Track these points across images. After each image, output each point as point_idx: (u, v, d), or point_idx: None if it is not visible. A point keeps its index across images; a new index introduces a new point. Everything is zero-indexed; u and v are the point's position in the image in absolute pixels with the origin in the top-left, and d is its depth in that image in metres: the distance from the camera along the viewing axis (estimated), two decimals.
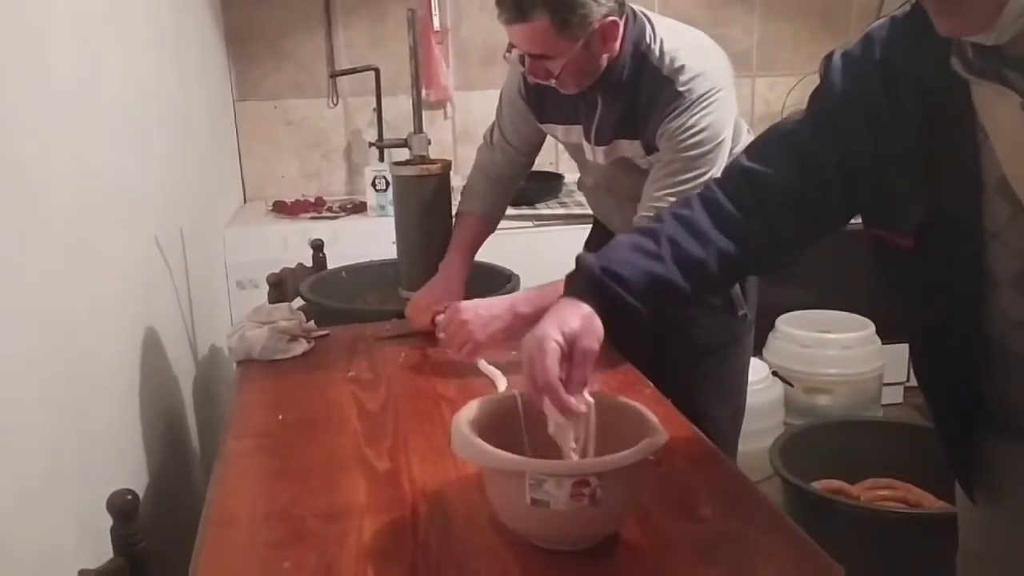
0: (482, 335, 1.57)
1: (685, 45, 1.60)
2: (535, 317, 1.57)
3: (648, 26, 1.61)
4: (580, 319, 1.08)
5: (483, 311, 1.59)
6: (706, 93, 1.55)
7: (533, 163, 1.98)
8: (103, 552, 1.16)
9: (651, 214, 1.57)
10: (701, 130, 1.55)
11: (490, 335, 1.57)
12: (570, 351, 1.06)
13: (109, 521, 1.14)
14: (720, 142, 1.57)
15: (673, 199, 1.55)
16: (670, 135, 1.57)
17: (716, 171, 1.57)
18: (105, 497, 1.14)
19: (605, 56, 1.58)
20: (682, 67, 1.56)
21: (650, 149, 1.63)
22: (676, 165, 1.57)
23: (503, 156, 1.92)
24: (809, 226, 1.16)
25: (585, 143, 1.75)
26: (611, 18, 1.53)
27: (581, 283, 1.12)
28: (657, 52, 1.59)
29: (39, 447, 1.16)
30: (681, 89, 1.55)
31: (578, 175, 2.01)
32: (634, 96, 1.61)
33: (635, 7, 1.63)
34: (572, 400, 1.05)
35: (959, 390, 1.09)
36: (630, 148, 1.67)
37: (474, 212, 1.92)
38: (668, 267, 1.11)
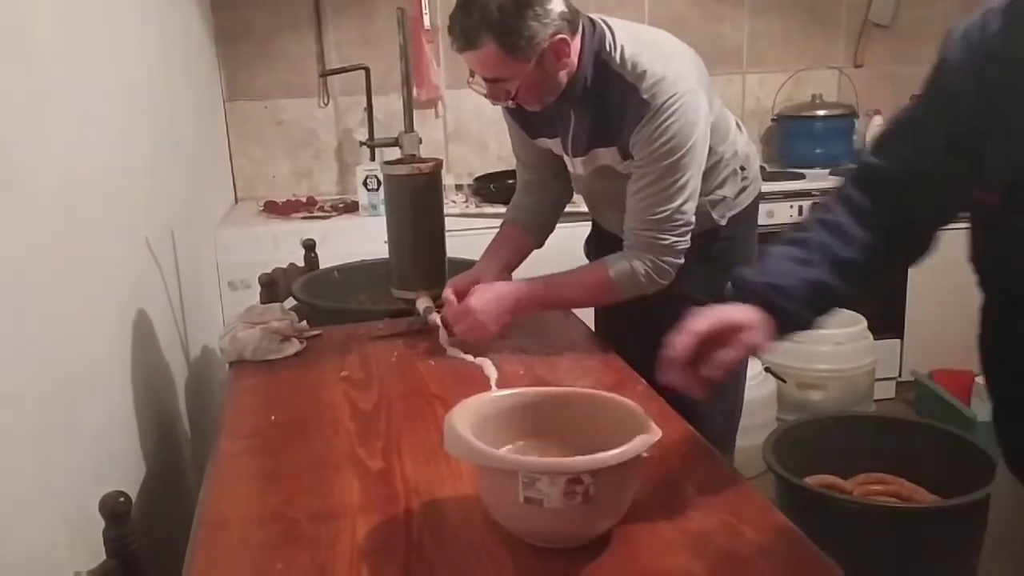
0: (493, 326, 1.69)
1: (646, 49, 1.62)
2: (536, 311, 1.72)
3: (608, 34, 1.63)
4: (755, 318, 1.12)
5: (494, 306, 1.68)
6: (670, 99, 1.57)
7: (557, 176, 1.94)
8: (96, 554, 1.16)
9: (638, 227, 1.65)
10: (670, 137, 1.58)
11: (500, 326, 1.70)
12: (728, 335, 1.10)
13: (102, 523, 1.14)
14: (690, 147, 1.60)
15: (657, 209, 1.62)
16: (642, 144, 1.61)
17: (692, 173, 1.62)
18: (97, 499, 1.14)
19: (563, 72, 1.61)
20: (644, 72, 1.59)
21: (626, 155, 1.66)
22: (652, 176, 1.61)
23: (525, 173, 1.96)
24: (941, 208, 1.16)
25: (565, 155, 1.79)
26: (560, 36, 1.56)
27: (747, 298, 1.14)
28: (618, 59, 1.61)
29: (30, 450, 1.15)
30: (645, 96, 1.58)
31: None
32: (602, 104, 1.64)
33: (593, 16, 1.66)
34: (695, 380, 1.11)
35: None
36: (608, 155, 1.70)
37: (508, 219, 1.96)
38: (823, 271, 1.13)
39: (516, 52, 1.54)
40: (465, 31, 1.54)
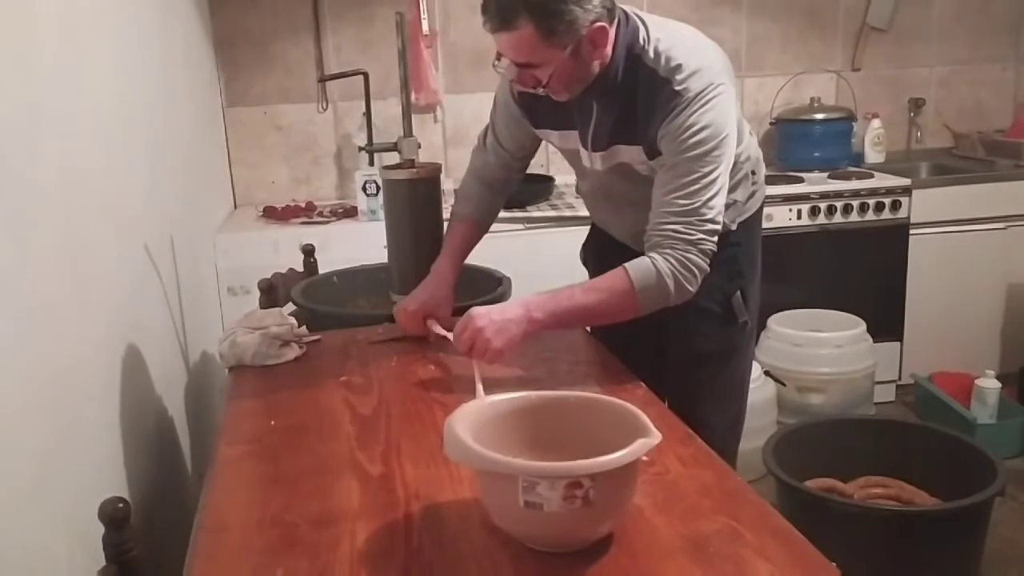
0: (499, 342, 1.50)
1: (680, 43, 1.57)
2: (549, 323, 1.55)
3: (642, 27, 1.59)
4: None
5: (497, 316, 1.52)
6: (704, 90, 1.52)
7: (527, 167, 1.96)
8: (95, 560, 1.16)
9: (662, 221, 1.54)
10: (702, 128, 1.52)
11: (508, 341, 1.51)
12: None
13: (101, 529, 1.14)
14: (723, 138, 1.53)
15: (683, 201, 1.52)
16: (671, 136, 1.54)
17: (722, 169, 1.54)
18: (96, 505, 1.14)
19: (596, 63, 1.55)
20: (679, 65, 1.53)
21: (652, 153, 1.59)
22: (681, 168, 1.53)
23: (496, 159, 1.90)
24: None
25: (582, 149, 1.72)
26: (599, 24, 1.50)
27: None
28: (652, 53, 1.56)
29: (29, 455, 1.15)
30: (678, 88, 1.52)
31: (571, 177, 1.99)
32: (631, 100, 1.59)
33: (627, 8, 1.61)
34: None
35: None
36: (629, 153, 1.64)
37: (466, 215, 1.90)
38: None
39: (554, 37, 1.47)
40: (502, 10, 1.47)
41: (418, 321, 1.76)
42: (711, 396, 1.81)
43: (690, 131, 1.52)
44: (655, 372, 1.62)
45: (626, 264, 1.55)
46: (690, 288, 1.54)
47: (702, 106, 1.52)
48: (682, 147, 1.53)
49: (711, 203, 1.54)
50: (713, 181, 1.53)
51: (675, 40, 1.57)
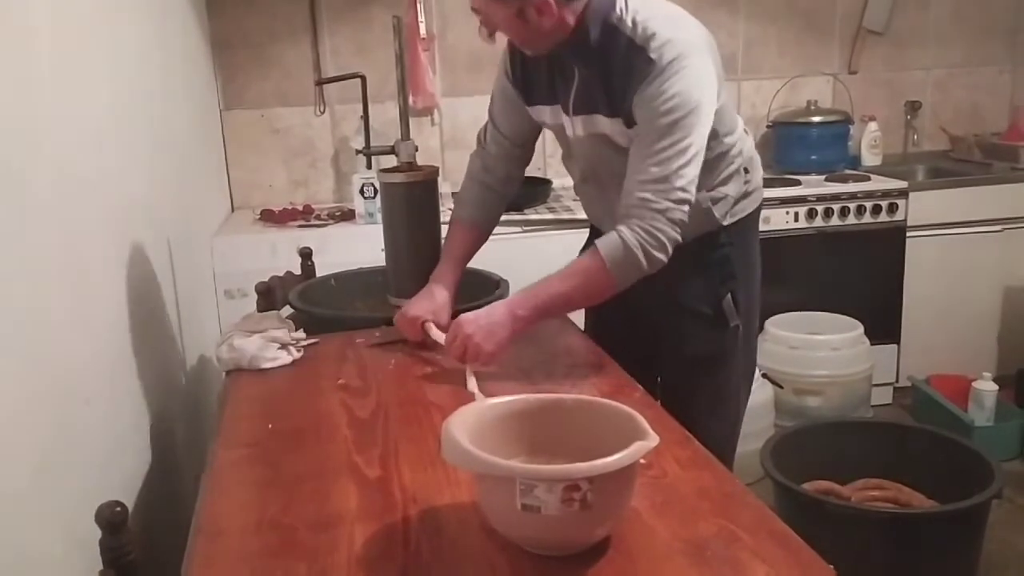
0: (490, 345, 1.57)
1: (658, 15, 1.59)
2: (534, 318, 1.59)
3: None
4: None
5: (484, 321, 1.58)
6: (675, 59, 1.54)
7: (528, 160, 1.96)
8: (93, 564, 1.16)
9: (631, 190, 1.56)
10: (671, 96, 1.53)
11: (497, 344, 1.58)
12: None
13: (98, 533, 1.14)
14: (693, 109, 1.54)
15: (654, 169, 1.54)
16: (644, 104, 1.56)
17: (695, 139, 1.55)
18: (94, 509, 1.13)
19: (550, 28, 1.58)
20: (653, 35, 1.55)
21: (630, 123, 1.60)
22: (653, 135, 1.55)
23: (497, 149, 1.90)
24: None
25: (564, 117, 1.73)
26: None
27: None
28: (630, 23, 1.58)
29: (26, 459, 1.15)
30: (652, 56, 1.54)
31: (568, 180, 1.99)
32: (609, 67, 1.60)
33: None
34: None
35: None
36: (609, 125, 1.65)
37: (465, 220, 1.90)
38: None
39: None
40: None
41: (417, 327, 1.77)
42: (706, 400, 1.81)
43: (662, 98, 1.54)
44: (651, 375, 1.63)
45: (596, 241, 1.58)
46: (661, 257, 1.56)
47: (673, 75, 1.54)
48: (654, 114, 1.55)
49: (682, 172, 1.54)
50: (684, 150, 1.54)
51: (653, 11, 1.60)
